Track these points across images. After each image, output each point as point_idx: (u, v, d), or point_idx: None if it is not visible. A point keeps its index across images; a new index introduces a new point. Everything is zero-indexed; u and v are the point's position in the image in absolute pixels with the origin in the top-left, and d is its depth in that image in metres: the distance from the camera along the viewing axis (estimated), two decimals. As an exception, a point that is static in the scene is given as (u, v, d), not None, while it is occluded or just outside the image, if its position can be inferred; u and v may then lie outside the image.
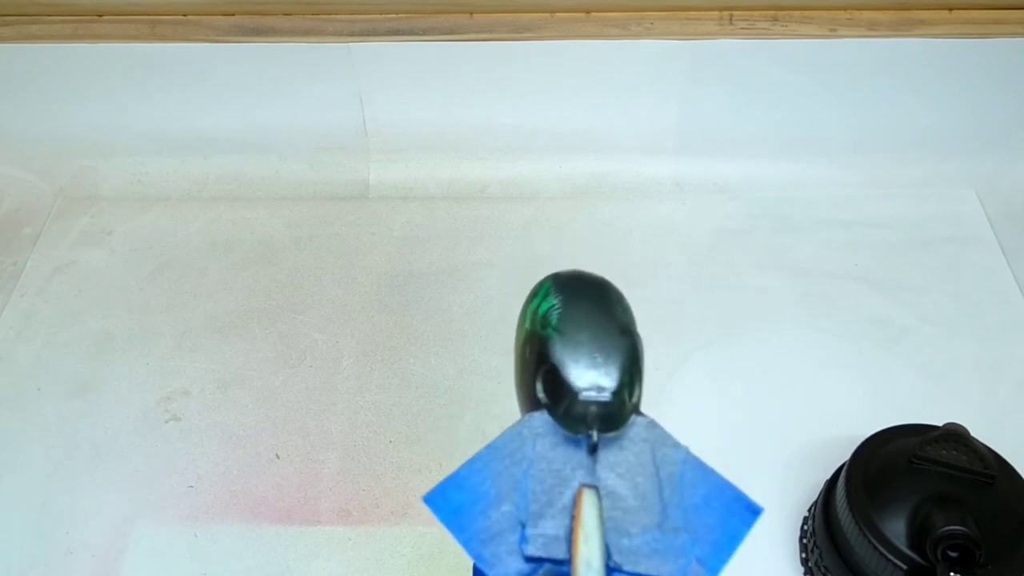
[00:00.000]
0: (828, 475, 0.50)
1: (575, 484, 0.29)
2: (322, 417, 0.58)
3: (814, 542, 0.49)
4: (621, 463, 0.29)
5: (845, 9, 0.66)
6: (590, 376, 0.29)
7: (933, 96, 0.69)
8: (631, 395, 0.30)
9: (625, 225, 0.69)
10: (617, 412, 0.29)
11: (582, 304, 0.31)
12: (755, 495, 0.57)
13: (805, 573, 0.50)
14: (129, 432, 0.57)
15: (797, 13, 0.66)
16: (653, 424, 0.30)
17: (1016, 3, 0.65)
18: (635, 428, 0.30)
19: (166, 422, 0.57)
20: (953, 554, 0.41)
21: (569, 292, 0.31)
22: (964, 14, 0.66)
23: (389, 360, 0.61)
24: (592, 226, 0.69)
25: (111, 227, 0.70)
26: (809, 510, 0.51)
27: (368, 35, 0.67)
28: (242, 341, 0.62)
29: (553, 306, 0.31)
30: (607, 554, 0.28)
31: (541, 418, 0.30)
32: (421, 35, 0.67)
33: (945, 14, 0.66)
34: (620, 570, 0.28)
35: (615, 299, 0.32)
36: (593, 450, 0.29)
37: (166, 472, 0.55)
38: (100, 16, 0.68)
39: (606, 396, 0.29)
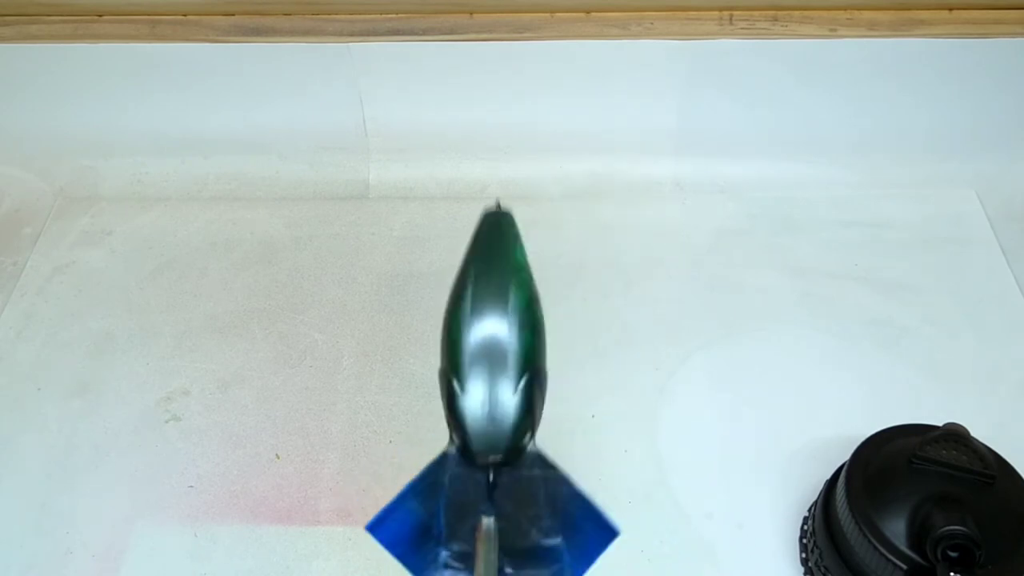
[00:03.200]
0: (828, 475, 0.50)
1: (478, 511, 0.35)
2: (322, 417, 0.58)
3: (814, 542, 0.49)
4: (517, 491, 0.36)
5: (845, 9, 0.66)
6: (487, 439, 0.34)
7: (933, 96, 0.69)
8: (524, 437, 0.35)
9: (625, 225, 0.69)
10: (513, 460, 0.35)
11: (485, 346, 0.36)
12: (755, 495, 0.57)
13: (805, 573, 0.50)
14: (129, 432, 0.57)
15: (797, 13, 0.66)
16: (542, 456, 0.36)
17: (1016, 3, 0.65)
18: (529, 458, 0.36)
19: (166, 422, 0.57)
20: (953, 554, 0.41)
21: (476, 323, 0.36)
22: (964, 14, 0.66)
23: (389, 360, 0.61)
24: (592, 226, 0.69)
25: (111, 227, 0.70)
26: (809, 510, 0.51)
27: (368, 35, 0.67)
28: (242, 341, 0.62)
29: (460, 348, 0.36)
30: (501, 565, 0.35)
31: (453, 458, 0.36)
32: (421, 35, 0.67)
33: (945, 14, 0.66)
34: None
35: (520, 324, 0.36)
36: (492, 487, 0.35)
37: (166, 472, 0.55)
38: (100, 16, 0.68)
39: (499, 458, 0.34)
